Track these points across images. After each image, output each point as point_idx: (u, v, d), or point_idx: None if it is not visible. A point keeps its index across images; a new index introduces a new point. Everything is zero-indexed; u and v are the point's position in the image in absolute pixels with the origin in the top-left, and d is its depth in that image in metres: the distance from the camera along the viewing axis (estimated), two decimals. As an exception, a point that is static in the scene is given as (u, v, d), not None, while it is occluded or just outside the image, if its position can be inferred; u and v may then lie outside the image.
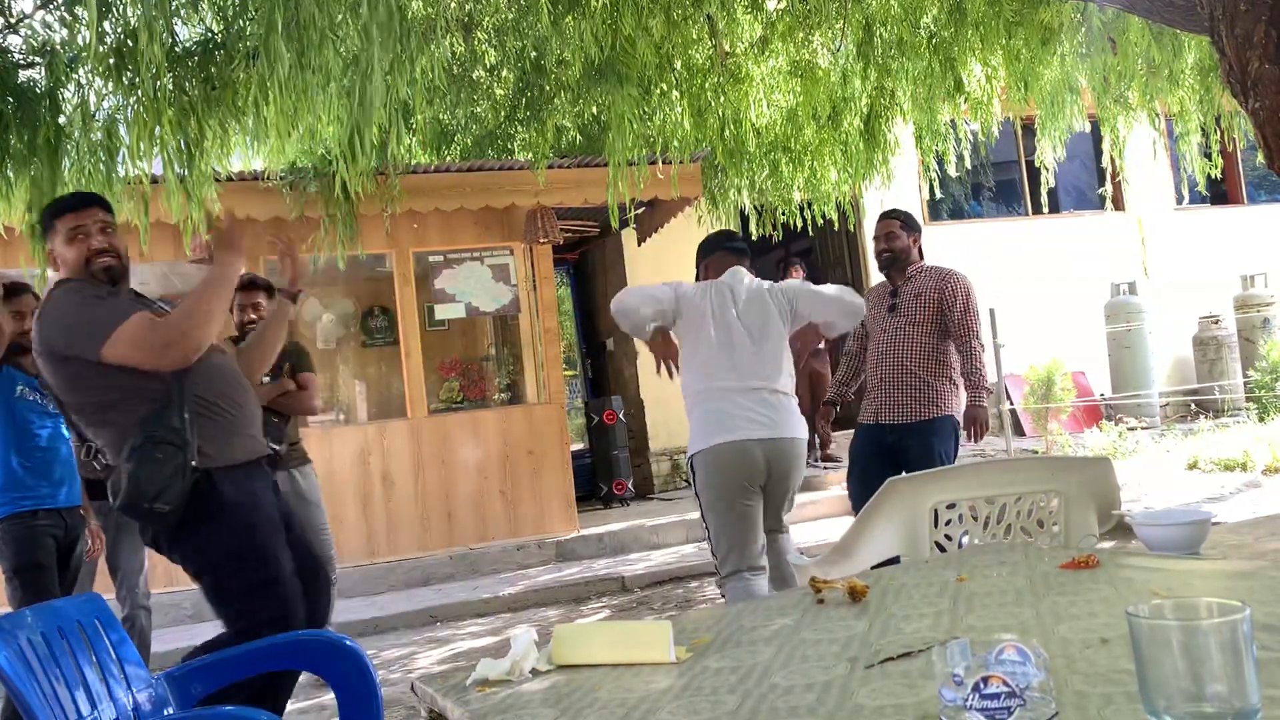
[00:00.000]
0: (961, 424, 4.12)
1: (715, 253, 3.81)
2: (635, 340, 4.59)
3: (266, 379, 4.36)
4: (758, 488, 3.47)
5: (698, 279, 3.85)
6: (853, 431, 4.43)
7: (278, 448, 4.25)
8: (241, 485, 2.61)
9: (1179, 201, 10.63)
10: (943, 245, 8.36)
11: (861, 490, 3.94)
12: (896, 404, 4.10)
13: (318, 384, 4.53)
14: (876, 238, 4.30)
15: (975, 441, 4.12)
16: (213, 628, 2.73)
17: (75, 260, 2.66)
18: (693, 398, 3.57)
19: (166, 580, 5.72)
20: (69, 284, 2.65)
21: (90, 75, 4.04)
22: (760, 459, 3.44)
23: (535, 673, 1.47)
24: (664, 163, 6.50)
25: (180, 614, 5.90)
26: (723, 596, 3.58)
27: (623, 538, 7.12)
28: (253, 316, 4.37)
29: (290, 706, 4.32)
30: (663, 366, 3.65)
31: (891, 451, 4.06)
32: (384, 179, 6.26)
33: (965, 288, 4.15)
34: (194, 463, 2.50)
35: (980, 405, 4.05)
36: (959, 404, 4.13)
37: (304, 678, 4.46)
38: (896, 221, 4.25)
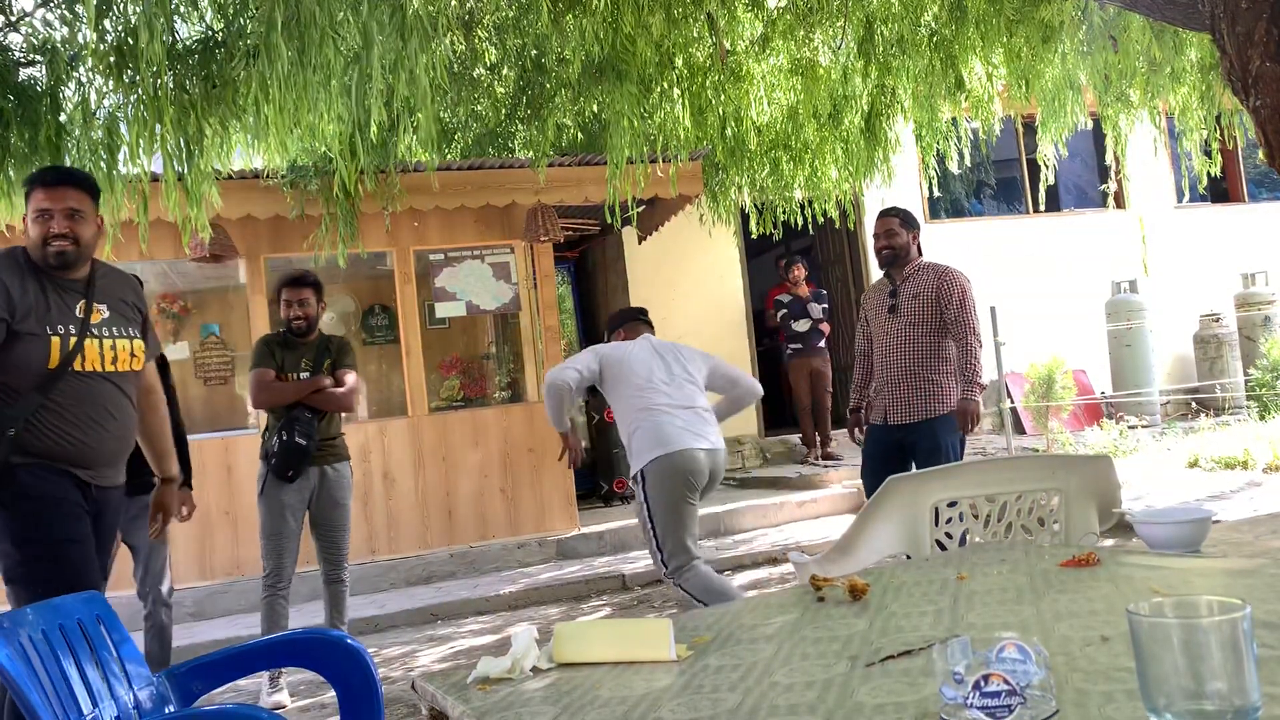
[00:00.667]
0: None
1: (628, 323, 4.39)
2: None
3: (306, 374, 4.28)
4: (699, 490, 3.93)
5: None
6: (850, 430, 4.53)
7: (305, 443, 4.19)
8: (41, 479, 2.61)
9: (1180, 199, 10.61)
10: (943, 243, 8.36)
11: (876, 486, 3.99)
12: (903, 404, 4.21)
13: (355, 381, 4.36)
14: (876, 235, 4.37)
15: (966, 432, 4.19)
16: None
17: (35, 238, 2.69)
18: (633, 420, 3.97)
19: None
20: (8, 259, 2.67)
21: (91, 73, 4.04)
22: (705, 465, 3.92)
23: (536, 671, 1.47)
24: (664, 161, 6.48)
25: (181, 612, 5.88)
26: (678, 587, 3.90)
27: (623, 535, 7.11)
28: (299, 313, 4.24)
29: (290, 705, 4.33)
30: (568, 454, 4.22)
31: (900, 447, 4.19)
32: (385, 177, 6.25)
33: (961, 285, 4.21)
34: None
35: (971, 399, 4.15)
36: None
37: (304, 676, 4.47)
38: (896, 219, 4.32)
